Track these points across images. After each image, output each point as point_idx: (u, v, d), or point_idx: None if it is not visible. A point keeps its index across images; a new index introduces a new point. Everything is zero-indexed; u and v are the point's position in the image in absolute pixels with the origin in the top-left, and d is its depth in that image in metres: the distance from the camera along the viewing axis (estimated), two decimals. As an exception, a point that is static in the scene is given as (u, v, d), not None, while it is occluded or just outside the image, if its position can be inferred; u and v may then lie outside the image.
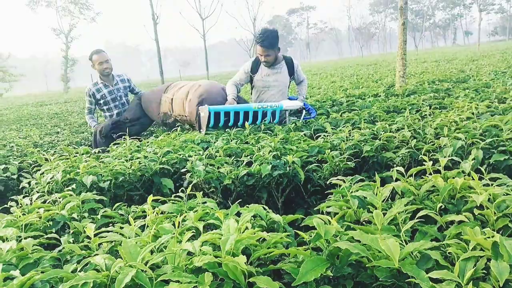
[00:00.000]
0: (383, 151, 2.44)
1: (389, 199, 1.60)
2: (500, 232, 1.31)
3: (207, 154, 2.37)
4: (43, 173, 2.59)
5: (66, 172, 2.42)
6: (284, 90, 4.01)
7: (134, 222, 1.48)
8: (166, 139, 3.07)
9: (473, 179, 1.49)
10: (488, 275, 0.95)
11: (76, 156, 3.00)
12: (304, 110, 3.87)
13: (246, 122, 3.41)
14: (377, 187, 1.54)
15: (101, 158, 2.77)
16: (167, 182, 2.34)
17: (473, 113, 2.84)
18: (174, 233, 1.23)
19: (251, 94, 4.16)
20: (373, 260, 0.98)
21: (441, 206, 1.39)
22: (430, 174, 1.71)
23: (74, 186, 2.25)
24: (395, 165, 2.27)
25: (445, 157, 2.03)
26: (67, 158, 2.91)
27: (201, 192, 1.94)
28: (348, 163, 2.16)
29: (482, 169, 1.78)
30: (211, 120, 3.38)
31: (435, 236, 1.26)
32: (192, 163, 2.20)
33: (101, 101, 4.52)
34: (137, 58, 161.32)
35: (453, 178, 1.56)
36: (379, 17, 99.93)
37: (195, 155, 2.37)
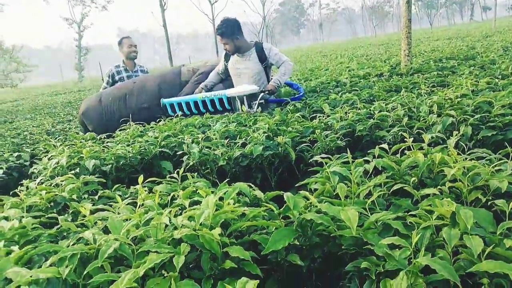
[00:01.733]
0: (377, 130, 2.48)
1: (373, 175, 1.65)
2: (473, 204, 1.36)
3: (203, 137, 2.44)
4: (50, 158, 2.71)
5: (70, 157, 2.53)
6: (257, 77, 4.00)
7: (126, 201, 1.58)
8: (168, 123, 3.16)
9: (451, 155, 1.53)
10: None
11: (82, 142, 3.12)
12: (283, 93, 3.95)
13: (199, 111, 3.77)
14: (366, 164, 1.61)
15: (105, 143, 2.88)
16: (166, 164, 2.43)
17: (470, 90, 2.83)
18: (157, 210, 1.31)
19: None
20: (336, 230, 1.05)
21: (417, 180, 1.43)
22: (420, 149, 1.75)
23: (77, 170, 2.37)
24: (386, 143, 2.31)
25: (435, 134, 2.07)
26: (73, 144, 3.03)
27: (196, 173, 2.03)
28: (339, 142, 2.20)
29: (470, 145, 1.82)
30: (168, 111, 3.86)
31: (408, 208, 1.31)
32: (188, 146, 2.28)
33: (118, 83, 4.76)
34: (151, 46, 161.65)
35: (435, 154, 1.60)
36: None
37: (191, 138, 2.45)
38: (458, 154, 1.59)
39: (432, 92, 3.18)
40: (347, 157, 1.85)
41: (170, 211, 1.26)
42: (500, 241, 0.98)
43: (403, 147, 1.81)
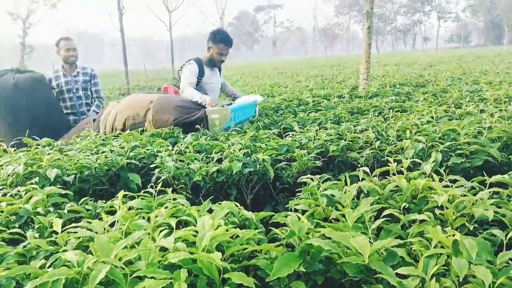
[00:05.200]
0: (348, 151, 2.52)
1: (355, 198, 1.66)
2: (458, 231, 1.40)
3: (176, 150, 2.36)
4: (1, 165, 2.48)
5: (27, 164, 2.33)
6: (219, 91, 4.09)
7: (110, 219, 1.45)
8: (133, 133, 3.02)
9: (434, 180, 1.58)
10: (448, 271, 1.02)
11: (37, 148, 2.90)
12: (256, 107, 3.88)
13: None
14: (346, 186, 1.61)
15: (65, 151, 2.69)
16: (135, 177, 2.31)
17: (432, 117, 2.98)
18: (146, 230, 1.22)
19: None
20: (343, 256, 1.03)
21: (405, 205, 1.46)
22: (394, 174, 1.80)
23: (37, 179, 2.18)
24: (359, 165, 2.35)
25: (407, 158, 2.13)
26: (28, 150, 2.80)
27: (170, 188, 1.94)
28: (316, 162, 2.21)
29: (441, 170, 1.89)
30: (228, 121, 3.18)
31: (399, 234, 1.32)
32: (161, 158, 2.18)
33: (57, 90, 4.39)
34: (99, 47, 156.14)
35: (415, 179, 1.64)
36: (343, 19, 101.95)
37: (165, 151, 2.35)
38: (438, 180, 1.64)
39: (395, 117, 3.31)
40: (326, 178, 1.87)
41: (160, 231, 1.18)
42: (506, 271, 1.00)
43: (383, 170, 1.85)
